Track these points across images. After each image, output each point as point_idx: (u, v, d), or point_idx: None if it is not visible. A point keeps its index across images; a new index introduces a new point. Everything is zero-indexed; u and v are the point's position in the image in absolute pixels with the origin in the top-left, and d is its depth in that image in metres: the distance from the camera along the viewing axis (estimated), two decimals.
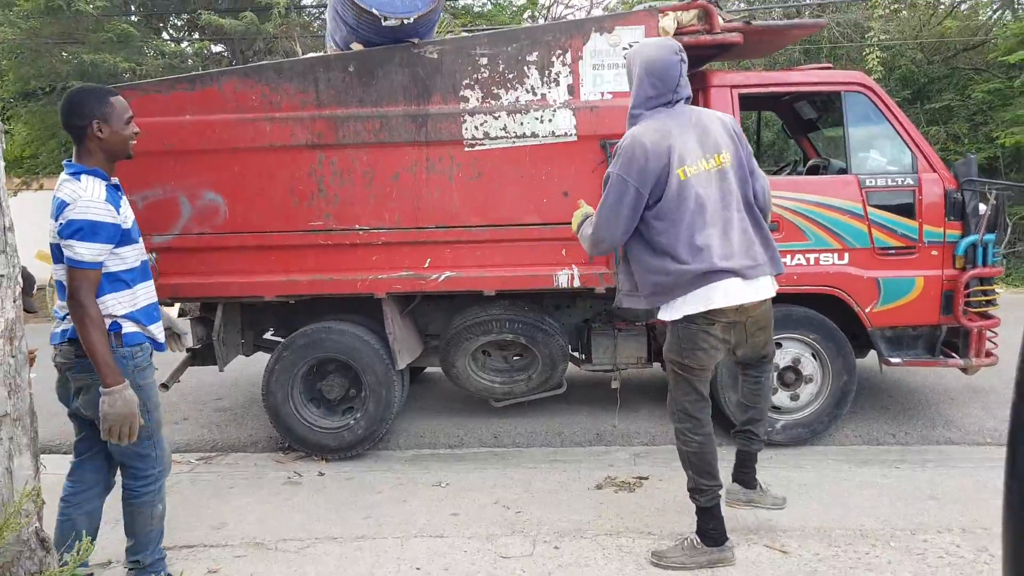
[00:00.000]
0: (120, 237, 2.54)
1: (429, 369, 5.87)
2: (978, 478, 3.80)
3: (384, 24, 3.83)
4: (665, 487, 3.82)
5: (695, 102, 4.40)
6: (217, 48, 12.85)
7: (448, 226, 4.18)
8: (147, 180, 4.09)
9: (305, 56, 4.79)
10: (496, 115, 4.07)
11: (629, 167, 2.77)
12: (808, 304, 4.37)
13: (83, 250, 2.39)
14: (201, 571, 2.85)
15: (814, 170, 5.01)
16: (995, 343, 4.37)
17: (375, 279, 4.24)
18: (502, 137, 4.08)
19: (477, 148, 4.10)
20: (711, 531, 2.97)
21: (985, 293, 4.30)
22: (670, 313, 2.90)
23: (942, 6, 14.56)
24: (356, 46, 4.15)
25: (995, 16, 14.56)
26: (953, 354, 4.40)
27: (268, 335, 4.99)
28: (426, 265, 4.23)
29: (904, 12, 13.87)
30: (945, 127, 12.35)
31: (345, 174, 4.15)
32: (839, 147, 4.64)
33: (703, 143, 2.83)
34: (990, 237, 4.30)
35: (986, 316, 4.32)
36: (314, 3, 13.59)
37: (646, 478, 3.96)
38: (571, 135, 4.08)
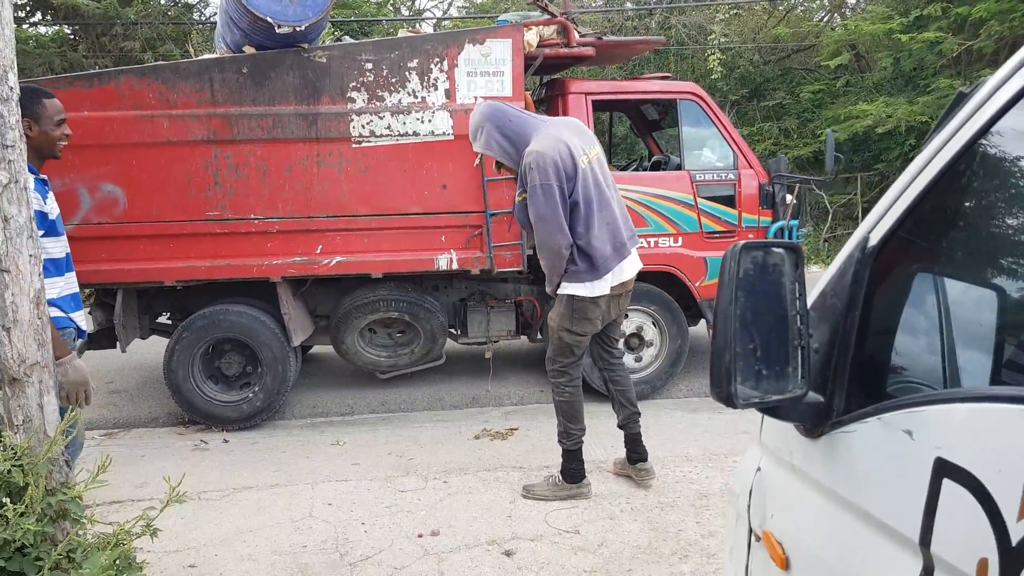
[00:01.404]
0: (46, 228, 2.83)
1: (317, 348, 6.29)
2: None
3: (277, 31, 4.24)
4: (532, 435, 4.51)
5: (554, 107, 5.11)
6: (67, 31, 12.25)
7: (338, 215, 4.65)
8: (46, 173, 4.27)
9: (200, 57, 5.07)
10: (381, 115, 4.57)
11: (548, 174, 3.12)
12: (649, 281, 5.18)
13: None
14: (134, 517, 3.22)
15: (657, 165, 5.84)
16: None
17: (270, 264, 4.64)
18: (387, 135, 4.59)
19: (364, 145, 4.59)
20: (572, 470, 3.55)
21: None
22: (578, 289, 3.29)
23: (778, 10, 16.22)
24: (248, 49, 4.52)
25: (825, 20, 16.37)
26: None
27: (163, 319, 5.25)
28: (318, 251, 4.68)
29: (742, 15, 15.34)
30: (778, 123, 13.87)
31: (240, 168, 4.52)
32: (677, 146, 5.48)
33: (582, 138, 3.30)
34: (795, 223, 5.27)
35: None
36: None
37: (516, 429, 4.63)
38: (449, 134, 4.65)
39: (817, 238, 12.84)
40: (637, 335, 5.21)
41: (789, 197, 5.28)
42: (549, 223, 3.17)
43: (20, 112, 2.17)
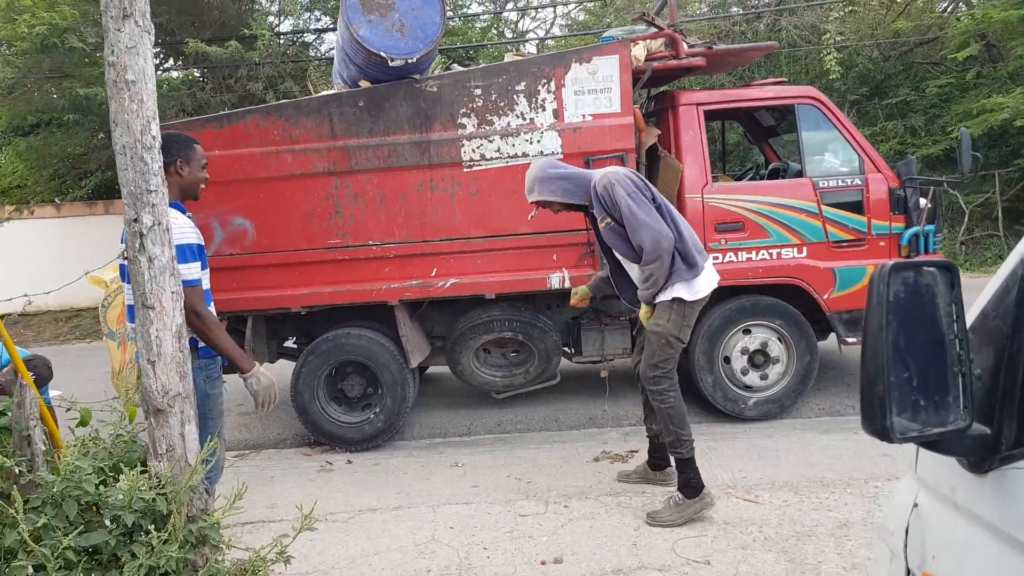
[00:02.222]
0: (202, 260, 2.97)
1: (432, 369, 6.40)
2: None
3: (391, 64, 4.36)
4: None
5: (664, 119, 5.00)
6: (196, 74, 13.17)
7: (451, 238, 4.72)
8: None
9: (319, 94, 5.31)
10: (491, 139, 4.61)
11: (628, 184, 3.39)
12: (773, 294, 4.94)
13: (185, 271, 2.67)
14: (268, 539, 3.35)
15: (775, 173, 5.60)
16: None
17: (388, 288, 4.76)
18: (497, 158, 4.62)
19: (475, 168, 4.64)
20: (692, 480, 3.47)
21: None
22: (687, 291, 3.42)
23: (897, 3, 15.33)
24: (363, 83, 4.68)
25: (948, 10, 15.33)
26: None
27: (289, 343, 5.49)
28: (433, 274, 4.76)
29: (857, 11, 14.59)
30: (903, 121, 13.05)
31: (359, 196, 4.67)
32: (796, 151, 5.23)
33: None
34: (930, 228, 4.90)
35: None
36: (290, 27, 14.02)
37: (636, 451, 4.51)
38: (558, 153, 4.63)
39: (953, 241, 11.95)
40: (762, 351, 4.97)
41: (923, 200, 4.92)
42: (651, 225, 3.32)
43: (162, 159, 2.29)
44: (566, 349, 5.38)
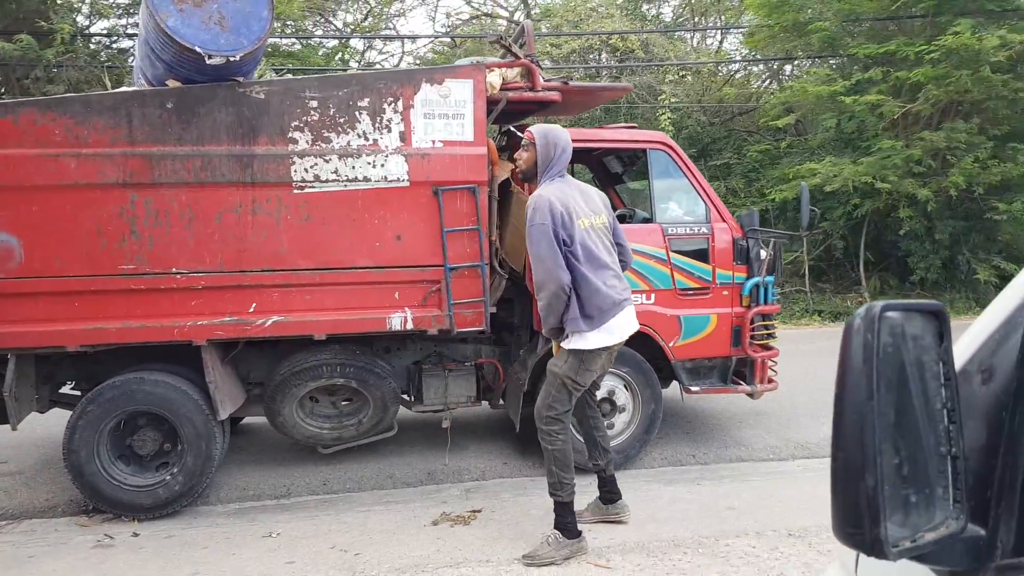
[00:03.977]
0: None
1: (248, 419, 5.61)
2: (765, 489, 4.32)
3: (208, 62, 3.75)
4: (498, 517, 3.96)
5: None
6: None
7: (275, 269, 4.11)
8: None
9: (117, 90, 4.52)
10: (327, 158, 4.09)
11: (545, 216, 3.29)
12: None
13: None
14: None
15: (621, 219, 5.49)
16: (775, 371, 5.01)
17: (194, 325, 4.05)
18: (333, 180, 4.11)
19: (307, 191, 4.09)
20: (569, 524, 3.44)
21: (767, 327, 4.93)
22: (583, 343, 3.37)
23: (720, 74, 16.55)
24: (172, 83, 4.01)
25: (764, 85, 16.78)
26: (741, 382, 4.97)
27: (66, 389, 4.55)
28: (251, 310, 4.11)
29: (689, 78, 15.58)
30: (725, 182, 13.92)
31: (161, 215, 3.96)
32: (643, 199, 5.14)
33: (588, 204, 3.49)
34: (770, 279, 4.95)
35: (767, 348, 4.95)
36: (104, 30, 12.64)
37: (479, 511, 4.07)
38: (404, 180, 4.19)
39: None
40: (609, 400, 4.74)
41: (763, 252, 4.97)
42: (546, 262, 3.29)
43: None
44: (405, 397, 4.87)
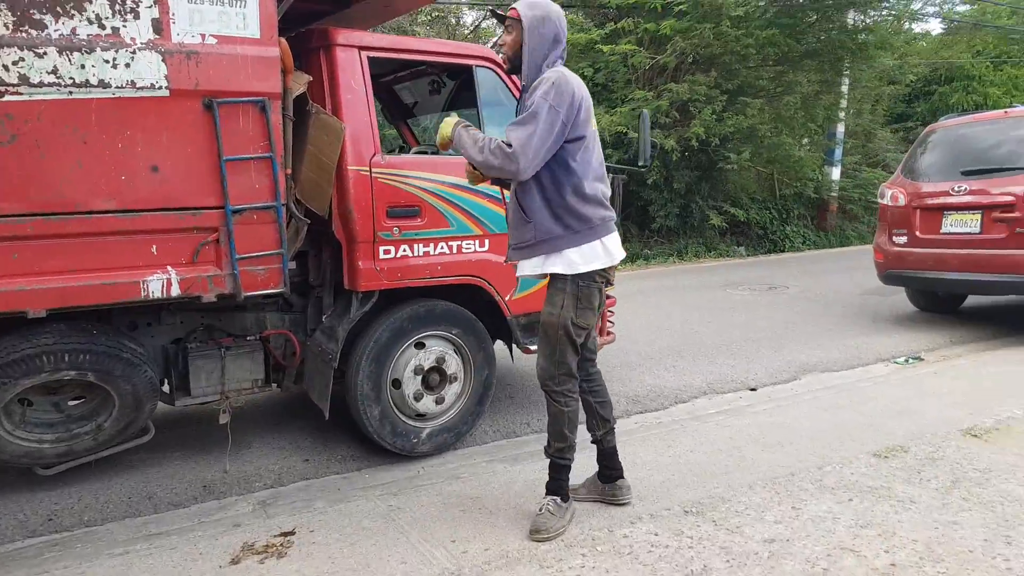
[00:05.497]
0: None
1: None
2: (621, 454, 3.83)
3: None
4: (322, 538, 3.02)
5: (312, 62, 3.67)
6: None
7: None
8: None
9: None
10: (40, 51, 2.71)
11: (561, 100, 2.68)
12: (449, 297, 3.99)
13: None
14: None
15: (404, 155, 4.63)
16: (612, 323, 4.59)
17: None
18: (52, 84, 2.74)
19: (9, 98, 2.68)
20: (564, 485, 3.04)
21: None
22: (570, 266, 2.81)
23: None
24: None
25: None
26: None
27: None
28: None
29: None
30: None
31: None
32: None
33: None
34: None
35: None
36: None
37: (292, 533, 3.09)
38: (161, 88, 2.94)
39: None
40: (437, 369, 3.95)
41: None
42: (534, 143, 2.64)
43: None
44: (165, 389, 3.65)
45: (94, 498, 3.54)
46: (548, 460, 3.08)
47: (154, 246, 3.06)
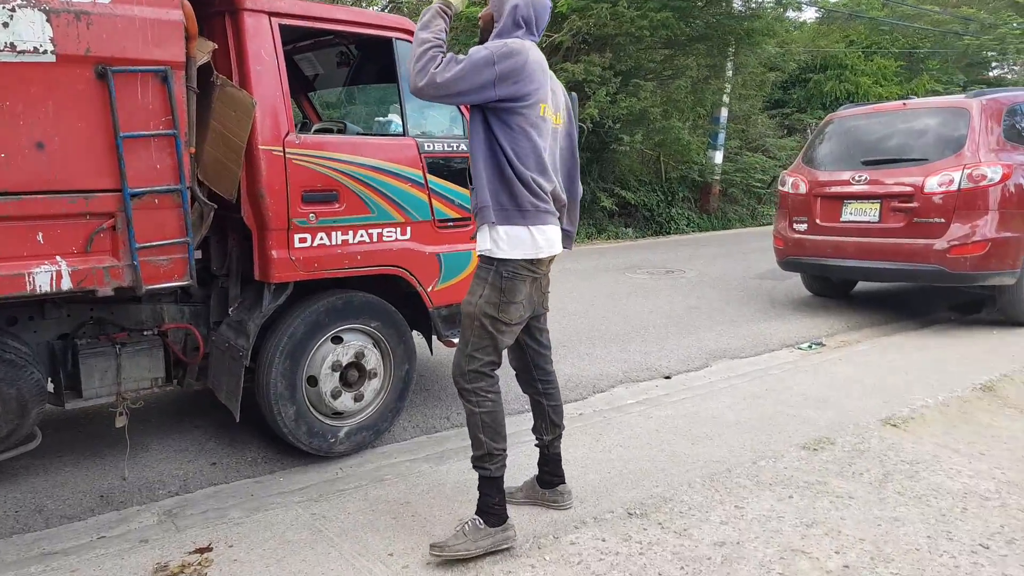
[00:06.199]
0: None
1: None
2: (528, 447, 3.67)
3: None
4: (244, 554, 2.78)
5: (216, 28, 3.35)
6: None
7: None
8: None
9: None
10: None
11: (504, 59, 2.52)
12: (367, 288, 3.78)
13: None
14: None
15: (328, 134, 4.36)
16: None
17: None
18: None
19: None
20: (495, 507, 2.73)
21: None
22: (495, 246, 2.66)
23: None
24: None
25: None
26: None
27: None
28: None
29: None
30: None
31: None
32: (384, 106, 4.12)
33: (555, 96, 2.81)
34: None
35: None
36: None
37: (209, 548, 2.84)
38: (46, 52, 2.57)
39: None
40: (356, 364, 3.74)
41: None
42: (450, 71, 2.48)
43: None
44: (52, 391, 3.26)
45: None
46: None
47: (40, 234, 2.70)
